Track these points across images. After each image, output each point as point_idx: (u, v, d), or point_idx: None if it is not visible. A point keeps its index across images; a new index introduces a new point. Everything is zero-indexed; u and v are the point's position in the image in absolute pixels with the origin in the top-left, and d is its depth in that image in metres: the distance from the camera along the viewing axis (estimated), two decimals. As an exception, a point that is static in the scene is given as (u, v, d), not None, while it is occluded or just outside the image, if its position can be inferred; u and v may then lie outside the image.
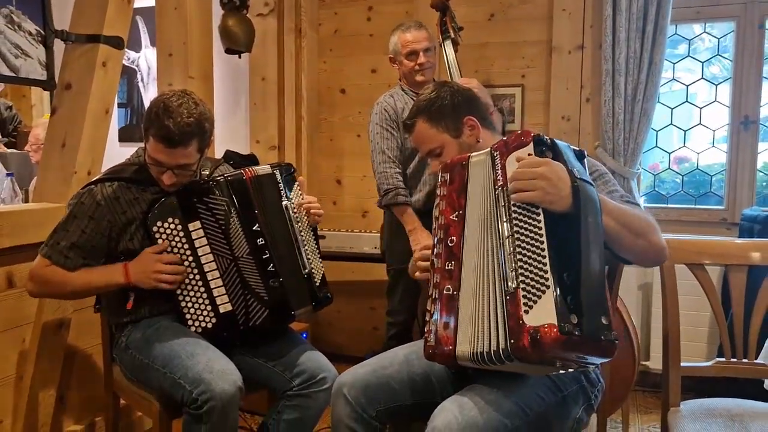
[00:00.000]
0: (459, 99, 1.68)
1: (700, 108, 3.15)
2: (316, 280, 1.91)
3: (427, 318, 1.44)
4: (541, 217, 1.25)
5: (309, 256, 1.91)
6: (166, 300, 1.79)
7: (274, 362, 1.83)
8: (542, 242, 1.23)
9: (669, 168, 3.29)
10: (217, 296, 1.78)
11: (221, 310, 1.77)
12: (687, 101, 3.18)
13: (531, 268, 1.23)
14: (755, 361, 1.74)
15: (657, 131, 3.22)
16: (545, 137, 1.33)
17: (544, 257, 1.22)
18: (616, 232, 1.36)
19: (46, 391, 2.13)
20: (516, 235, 1.27)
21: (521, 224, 1.27)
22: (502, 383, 1.39)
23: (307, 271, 1.88)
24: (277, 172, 1.92)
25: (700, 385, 2.59)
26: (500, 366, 1.28)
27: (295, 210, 1.91)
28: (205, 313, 1.78)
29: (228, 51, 3.14)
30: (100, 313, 1.95)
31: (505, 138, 1.38)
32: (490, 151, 1.38)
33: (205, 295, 1.78)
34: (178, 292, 1.78)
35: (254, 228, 1.81)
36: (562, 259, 1.21)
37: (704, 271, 1.74)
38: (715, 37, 3.14)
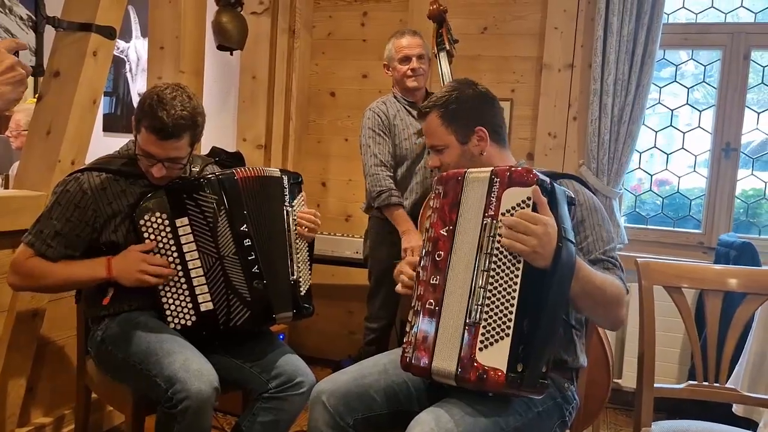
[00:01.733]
0: (478, 105, 1.64)
1: (684, 132, 3.21)
2: (301, 289, 1.91)
3: (408, 329, 1.45)
4: (521, 266, 1.30)
5: (299, 265, 1.91)
6: (146, 297, 1.77)
7: (252, 363, 1.82)
8: (515, 290, 1.29)
9: (650, 190, 3.34)
10: (199, 294, 1.76)
11: (202, 308, 1.76)
12: (671, 125, 3.24)
13: (497, 311, 1.29)
14: (726, 385, 1.77)
15: (641, 153, 3.27)
16: (547, 182, 1.34)
17: (512, 304, 1.29)
18: (579, 298, 1.40)
19: (15, 381, 2.09)
20: (492, 273, 1.32)
21: (500, 264, 1.32)
22: (479, 397, 1.40)
23: (294, 278, 1.88)
24: (285, 178, 1.92)
25: (672, 406, 2.63)
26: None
27: (295, 218, 1.91)
28: (185, 310, 1.77)
29: (220, 47, 3.13)
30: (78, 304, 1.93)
31: (509, 168, 1.36)
32: (490, 175, 1.37)
33: (187, 293, 1.76)
34: (160, 287, 1.76)
35: (242, 228, 1.80)
36: (527, 309, 1.28)
37: (681, 294, 1.77)
38: (701, 64, 3.20)
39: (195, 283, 1.76)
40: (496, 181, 1.35)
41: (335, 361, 3.38)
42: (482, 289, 1.31)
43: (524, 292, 1.28)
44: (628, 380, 3.01)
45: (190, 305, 1.77)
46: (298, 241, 1.91)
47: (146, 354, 1.68)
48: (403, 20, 3.37)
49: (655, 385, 1.76)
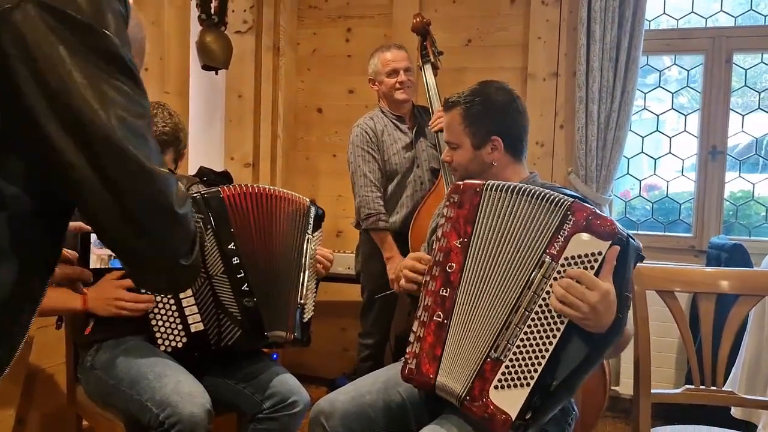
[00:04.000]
0: (502, 113, 1.60)
1: (670, 137, 3.23)
2: (305, 316, 1.91)
3: (411, 339, 1.42)
4: (567, 320, 1.21)
5: (307, 294, 1.90)
6: (132, 321, 1.74)
7: (245, 384, 1.80)
8: (551, 342, 1.21)
9: (639, 195, 3.35)
10: (189, 315, 1.74)
11: (193, 329, 1.74)
12: (657, 130, 3.26)
13: (526, 356, 1.22)
14: (723, 388, 1.76)
15: (629, 159, 3.28)
16: (624, 237, 1.23)
17: (543, 356, 1.21)
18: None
19: (4, 412, 2.05)
20: (534, 315, 1.23)
21: (546, 313, 1.23)
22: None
23: (301, 302, 1.88)
24: (313, 209, 1.93)
25: (670, 412, 2.62)
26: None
27: (311, 248, 1.91)
28: (176, 332, 1.74)
29: (205, 67, 3.12)
30: (65, 330, 1.90)
31: (590, 211, 1.25)
32: (565, 211, 1.26)
33: (176, 314, 1.74)
34: (149, 310, 1.74)
35: (230, 247, 1.78)
36: (557, 364, 1.21)
37: (674, 298, 1.76)
38: (684, 69, 3.23)
39: (184, 304, 1.74)
40: (570, 219, 1.24)
41: (330, 379, 3.35)
42: (518, 328, 1.24)
43: (560, 346, 1.20)
44: (625, 387, 2.99)
45: (180, 327, 1.74)
46: (310, 270, 1.90)
47: (137, 378, 1.65)
48: (387, 35, 3.38)
49: (652, 391, 1.75)
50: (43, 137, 0.74)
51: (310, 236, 1.90)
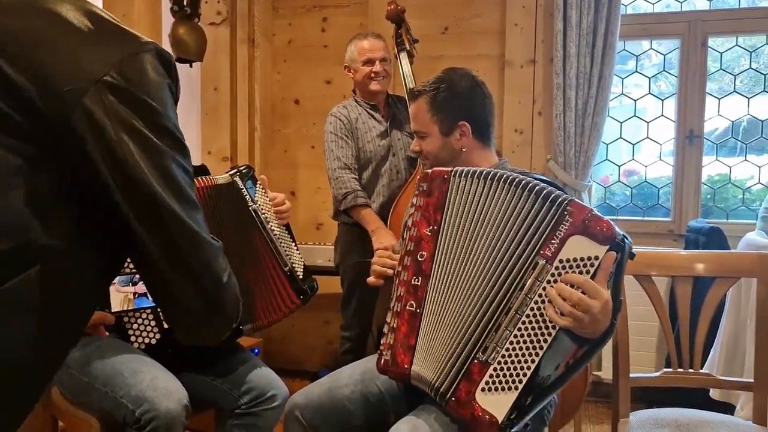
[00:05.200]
0: (468, 99, 1.60)
1: (648, 122, 3.23)
2: (298, 273, 1.87)
3: (385, 330, 1.41)
4: (558, 327, 1.18)
5: (288, 252, 1.86)
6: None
7: (222, 380, 1.77)
8: (542, 347, 1.18)
9: (619, 181, 3.36)
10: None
11: (166, 325, 1.71)
12: (635, 115, 3.26)
13: (516, 361, 1.19)
14: (701, 370, 1.77)
15: (607, 144, 3.28)
16: (620, 239, 1.17)
17: (533, 361, 1.18)
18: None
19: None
20: (524, 318, 1.20)
21: (537, 318, 1.19)
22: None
23: (288, 268, 1.84)
24: (238, 179, 1.85)
25: (651, 395, 2.64)
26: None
27: (263, 211, 1.86)
28: (149, 328, 1.71)
29: (179, 60, 3.07)
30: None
31: (588, 212, 1.19)
32: (562, 210, 1.20)
33: (149, 310, 1.71)
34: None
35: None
36: (548, 367, 1.18)
37: (652, 283, 1.77)
38: (661, 53, 3.23)
39: (157, 300, 1.71)
40: (568, 220, 1.18)
41: (313, 372, 3.33)
42: (507, 331, 1.20)
43: (552, 349, 1.17)
44: (607, 372, 3.00)
45: (153, 323, 1.71)
46: (275, 230, 1.86)
47: (111, 375, 1.62)
48: (363, 24, 3.35)
49: (630, 375, 1.75)
50: (116, 212, 0.79)
51: (255, 205, 1.84)
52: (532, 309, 1.19)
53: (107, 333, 1.38)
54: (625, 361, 1.75)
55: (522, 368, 1.19)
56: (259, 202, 1.86)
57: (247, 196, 1.84)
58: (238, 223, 1.81)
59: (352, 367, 1.63)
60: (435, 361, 1.30)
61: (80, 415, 1.74)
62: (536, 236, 1.21)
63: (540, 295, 1.19)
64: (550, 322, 1.17)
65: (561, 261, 1.17)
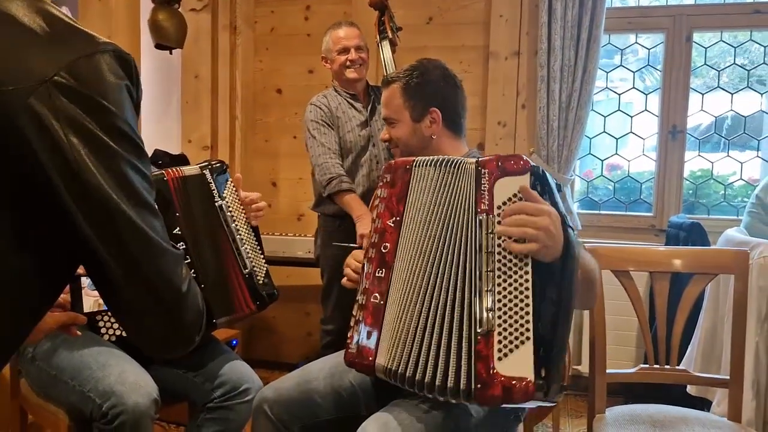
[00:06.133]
0: (440, 87, 1.62)
1: (632, 117, 3.23)
2: (258, 279, 1.82)
3: (351, 323, 1.38)
4: (529, 262, 1.17)
5: (250, 255, 1.81)
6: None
7: (195, 373, 1.74)
8: (528, 288, 1.16)
9: (602, 175, 3.35)
10: (132, 303, 1.67)
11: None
12: (619, 110, 3.25)
13: (513, 314, 1.16)
14: (677, 366, 1.77)
15: (591, 138, 3.27)
16: (538, 168, 1.22)
17: (527, 304, 1.15)
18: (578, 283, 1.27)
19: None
20: (499, 273, 1.18)
21: (506, 263, 1.18)
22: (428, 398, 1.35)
23: (248, 270, 1.79)
24: (207, 172, 1.80)
25: (631, 389, 2.64)
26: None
27: (231, 209, 1.82)
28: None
29: (158, 46, 3.02)
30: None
31: (496, 157, 1.24)
32: (476, 167, 1.25)
33: (118, 302, 1.68)
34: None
35: (175, 231, 1.70)
36: (542, 309, 1.16)
37: (629, 278, 1.76)
38: (645, 48, 3.22)
39: (127, 292, 1.67)
40: (484, 172, 1.23)
41: (293, 364, 3.31)
42: (490, 292, 1.17)
43: (537, 290, 1.16)
44: (586, 366, 3.00)
45: (122, 315, 1.68)
46: (241, 231, 1.82)
47: (79, 368, 1.59)
48: (347, 12, 3.30)
49: (607, 370, 1.75)
50: (66, 218, 0.75)
51: (222, 201, 1.78)
52: (499, 261, 1.19)
53: (79, 333, 1.33)
54: (602, 357, 1.74)
55: (522, 317, 1.15)
56: (227, 199, 1.81)
57: (215, 191, 1.79)
58: (205, 216, 1.76)
59: (323, 360, 1.60)
60: (401, 352, 1.26)
61: (49, 408, 1.71)
62: (469, 200, 1.24)
63: (499, 245, 1.20)
64: (521, 262, 1.17)
65: (498, 207, 1.21)
